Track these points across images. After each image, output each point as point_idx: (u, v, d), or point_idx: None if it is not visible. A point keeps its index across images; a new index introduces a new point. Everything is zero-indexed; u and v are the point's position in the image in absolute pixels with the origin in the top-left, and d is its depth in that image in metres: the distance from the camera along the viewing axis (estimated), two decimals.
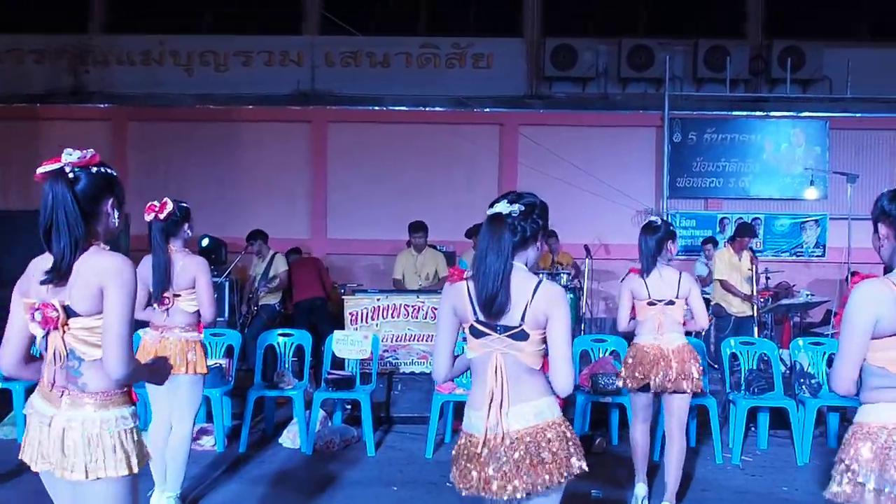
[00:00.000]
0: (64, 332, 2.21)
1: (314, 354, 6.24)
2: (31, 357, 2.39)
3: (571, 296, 8.23)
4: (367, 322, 6.72)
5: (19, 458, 2.30)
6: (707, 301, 8.27)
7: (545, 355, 2.41)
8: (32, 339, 2.31)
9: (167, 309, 4.00)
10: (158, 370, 2.59)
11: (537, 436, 2.33)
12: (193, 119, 10.28)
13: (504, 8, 10.81)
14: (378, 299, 6.81)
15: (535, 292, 2.35)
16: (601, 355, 6.05)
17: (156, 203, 3.96)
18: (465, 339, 2.55)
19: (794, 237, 10.15)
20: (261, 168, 10.27)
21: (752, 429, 5.88)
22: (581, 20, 10.77)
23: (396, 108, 10.28)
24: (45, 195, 2.19)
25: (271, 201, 10.14)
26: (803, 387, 5.57)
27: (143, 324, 4.06)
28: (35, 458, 2.25)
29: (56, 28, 10.35)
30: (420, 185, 10.08)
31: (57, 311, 2.19)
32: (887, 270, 2.35)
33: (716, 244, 8.92)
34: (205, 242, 8.37)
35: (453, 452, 2.52)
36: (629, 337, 4.49)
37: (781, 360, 6.04)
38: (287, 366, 5.94)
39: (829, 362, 5.58)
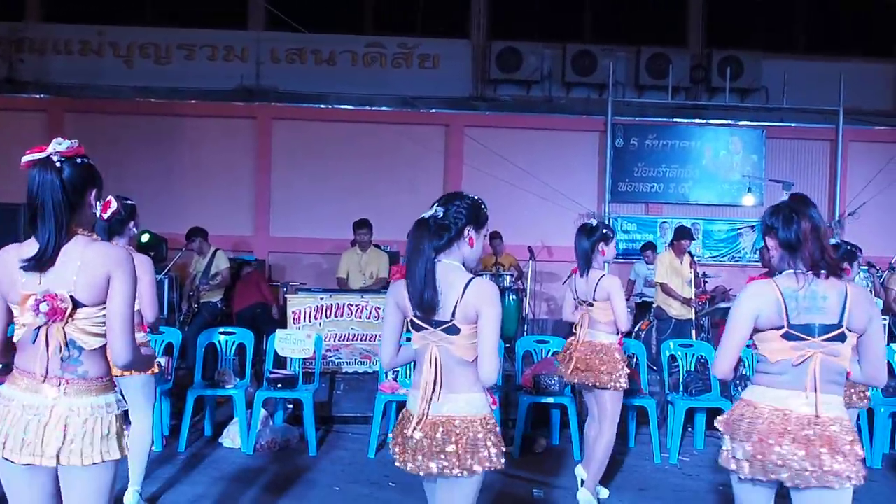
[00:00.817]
0: (67, 322, 2.23)
1: (256, 354, 6.14)
2: (9, 345, 2.37)
3: (514, 297, 8.32)
4: (310, 321, 6.64)
5: None
6: (650, 304, 8.49)
7: None
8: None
9: None
10: (147, 359, 2.72)
11: (464, 424, 2.48)
12: (133, 112, 10.00)
13: (451, 9, 10.84)
14: (321, 298, 6.73)
15: (465, 289, 2.49)
16: (543, 356, 6.10)
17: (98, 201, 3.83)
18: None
19: (732, 242, 10.44)
20: (203, 164, 10.06)
21: (690, 429, 6.01)
22: (527, 24, 10.87)
23: (342, 106, 10.21)
24: (31, 182, 2.23)
25: (214, 198, 9.94)
26: (739, 388, 5.71)
27: None
28: (17, 451, 2.20)
29: None
30: (364, 184, 10.02)
31: (65, 301, 2.21)
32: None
33: (654, 249, 9.12)
34: (145, 238, 8.15)
35: (394, 426, 2.68)
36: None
37: None
38: (228, 365, 5.83)
39: None
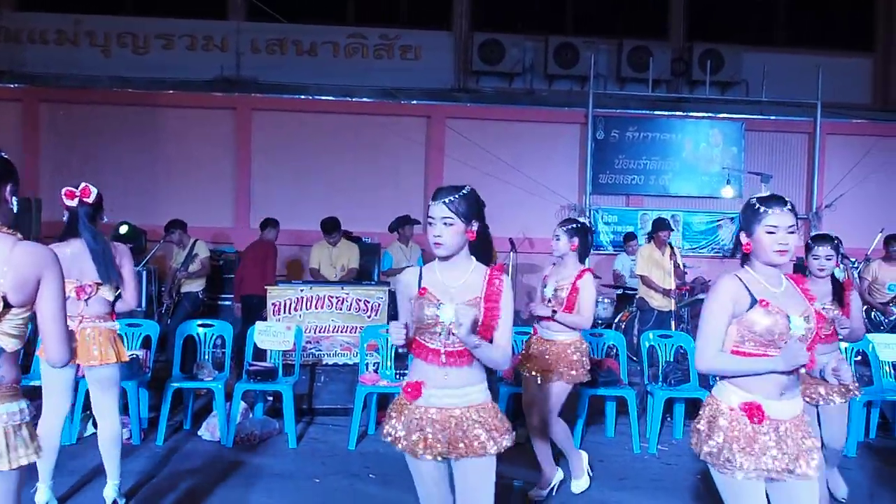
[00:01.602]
0: None
1: (236, 345, 6.11)
2: None
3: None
4: (290, 313, 6.61)
5: None
6: (630, 295, 8.53)
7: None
8: None
9: (87, 298, 3.85)
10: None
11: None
12: (111, 102, 9.86)
13: (433, 0, 10.80)
14: (302, 290, 6.70)
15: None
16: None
17: (73, 188, 3.79)
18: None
19: (711, 234, 10.51)
20: (182, 155, 9.95)
21: (669, 419, 6.05)
22: (509, 16, 10.86)
23: (323, 97, 10.13)
24: None
25: (193, 189, 9.86)
26: (717, 378, 5.76)
27: None
28: None
29: None
30: (345, 175, 9.98)
31: None
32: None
33: (636, 240, 9.15)
34: (123, 230, 8.07)
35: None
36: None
37: None
38: (207, 357, 5.79)
39: None
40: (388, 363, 5.91)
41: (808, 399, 3.87)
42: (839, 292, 4.07)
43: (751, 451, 2.48)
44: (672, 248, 7.57)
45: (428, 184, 10.10)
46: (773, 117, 10.60)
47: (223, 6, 10.32)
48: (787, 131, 10.71)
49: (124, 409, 5.46)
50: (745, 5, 11.20)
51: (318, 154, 10.07)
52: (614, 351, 6.33)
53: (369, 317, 6.68)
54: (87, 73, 9.85)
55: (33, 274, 2.18)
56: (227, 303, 8.02)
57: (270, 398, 5.98)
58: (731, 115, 10.62)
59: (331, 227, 7.78)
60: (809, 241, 4.16)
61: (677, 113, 10.67)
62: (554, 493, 4.51)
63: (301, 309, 6.64)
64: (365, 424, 5.74)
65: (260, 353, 5.88)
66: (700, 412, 2.74)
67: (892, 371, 5.99)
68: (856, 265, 7.94)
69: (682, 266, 7.54)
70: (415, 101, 10.31)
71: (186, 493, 4.41)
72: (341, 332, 6.70)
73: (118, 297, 4.00)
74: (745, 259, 2.71)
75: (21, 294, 2.17)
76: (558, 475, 4.55)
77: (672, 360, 6.05)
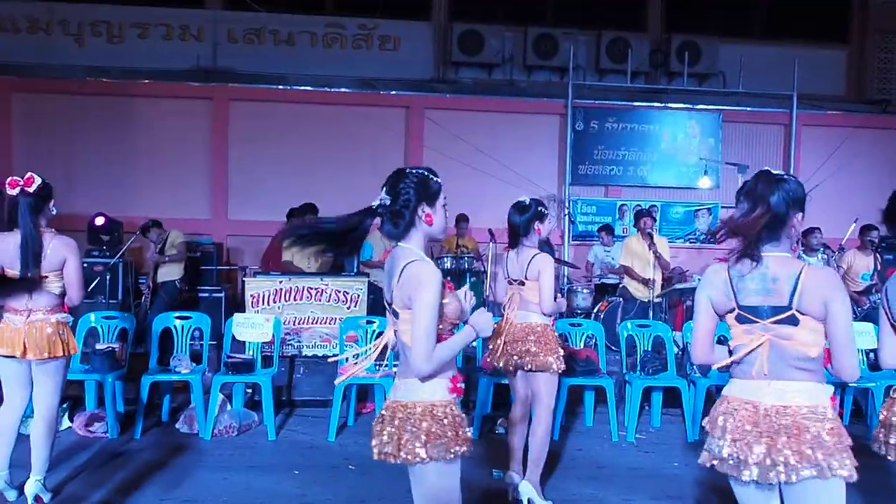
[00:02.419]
0: None
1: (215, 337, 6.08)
2: None
3: (475, 279, 8.34)
4: (268, 304, 6.57)
5: None
6: (608, 285, 8.59)
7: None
8: None
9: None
10: None
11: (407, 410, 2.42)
12: (85, 93, 9.70)
13: None
14: (280, 282, 6.66)
15: (401, 273, 2.41)
16: None
17: (17, 177, 3.72)
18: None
19: (688, 224, 10.59)
20: (158, 146, 9.81)
21: (647, 408, 6.11)
22: (488, 7, 10.84)
23: (301, 87, 10.06)
24: None
25: (169, 180, 9.74)
26: (694, 367, 5.83)
27: None
28: None
29: None
30: (324, 166, 9.92)
31: None
32: None
33: (611, 231, 9.18)
34: (99, 222, 7.97)
35: None
36: None
37: (675, 341, 6.30)
38: (184, 349, 5.75)
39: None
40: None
41: None
42: None
43: None
44: (652, 237, 7.59)
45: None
46: (749, 109, 10.69)
47: None
48: (764, 122, 10.80)
49: (99, 403, 5.44)
50: None
51: (297, 145, 10.00)
52: (593, 340, 6.37)
53: (348, 308, 6.66)
54: (60, 63, 9.69)
55: None
56: (205, 294, 7.94)
57: (249, 390, 5.95)
58: (708, 107, 10.70)
59: (306, 212, 7.60)
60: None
61: (655, 104, 10.72)
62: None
63: (280, 300, 6.61)
64: (345, 416, 5.74)
65: (238, 346, 5.84)
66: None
67: (865, 359, 6.08)
68: (833, 255, 8.03)
69: (662, 255, 7.57)
70: (394, 92, 10.27)
71: (164, 486, 4.38)
72: (321, 323, 6.68)
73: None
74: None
75: None
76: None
77: (650, 349, 6.10)
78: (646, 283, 7.50)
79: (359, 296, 6.71)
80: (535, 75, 10.83)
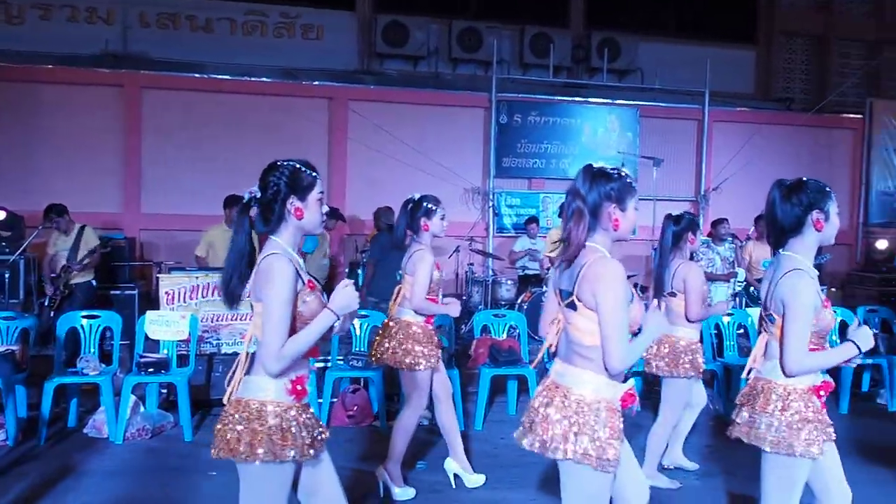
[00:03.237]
0: None
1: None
2: None
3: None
4: (184, 301, 6.32)
5: None
6: (531, 276, 8.68)
7: None
8: None
9: None
10: None
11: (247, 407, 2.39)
12: None
13: None
14: (197, 277, 6.42)
15: (256, 269, 2.40)
16: None
17: None
18: None
19: None
20: (65, 135, 9.30)
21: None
22: None
23: (219, 76, 9.73)
24: None
25: (78, 172, 9.24)
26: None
27: None
28: None
29: None
30: (244, 158, 9.52)
31: None
32: None
33: (537, 223, 9.30)
34: (1, 216, 7.51)
35: None
36: None
37: None
38: (93, 350, 5.47)
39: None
40: None
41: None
42: None
43: None
44: None
45: (332, 167, 9.91)
46: (665, 104, 10.98)
47: None
48: (678, 118, 11.11)
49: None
50: None
51: (215, 136, 9.66)
52: (515, 331, 6.42)
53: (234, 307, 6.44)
54: None
55: None
56: (117, 292, 7.58)
57: (164, 391, 5.73)
58: (626, 102, 10.93)
59: (233, 202, 7.28)
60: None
61: (577, 99, 10.88)
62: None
63: (197, 297, 6.37)
64: None
65: (153, 345, 5.61)
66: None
67: None
68: (741, 245, 8.32)
69: None
70: (317, 83, 10.08)
71: (71, 495, 4.16)
72: (241, 320, 6.47)
73: None
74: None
75: None
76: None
77: None
78: None
79: None
80: (460, 68, 10.84)
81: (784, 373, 2.60)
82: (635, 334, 2.49)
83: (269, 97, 9.84)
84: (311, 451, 2.42)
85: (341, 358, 5.78)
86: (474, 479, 4.40)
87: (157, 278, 6.50)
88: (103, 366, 5.37)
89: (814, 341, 2.62)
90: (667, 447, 4.65)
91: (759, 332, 2.83)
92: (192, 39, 9.93)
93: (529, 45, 10.67)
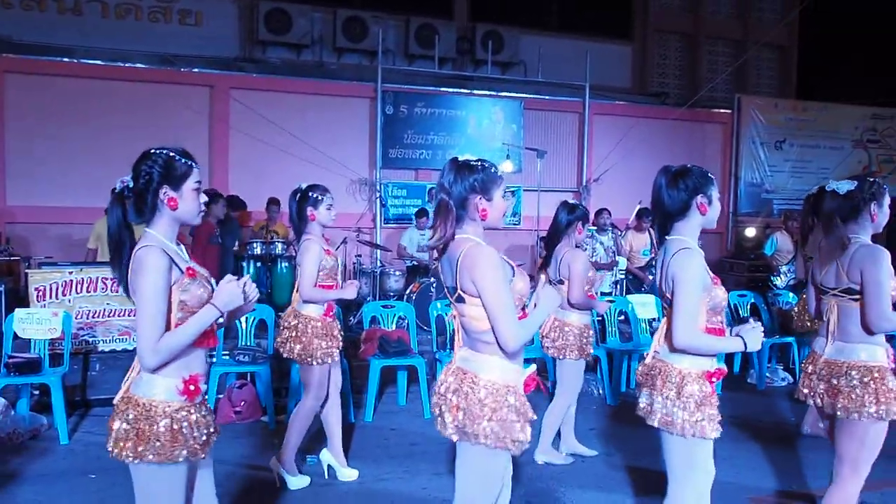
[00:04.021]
0: None
1: None
2: None
3: (286, 265, 8.18)
4: (56, 298, 6.04)
5: None
6: (419, 267, 8.78)
7: None
8: None
9: None
10: None
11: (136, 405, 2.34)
12: None
13: None
14: (71, 273, 6.15)
15: (131, 262, 2.33)
16: None
17: None
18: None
19: None
20: None
21: None
22: None
23: (90, 61, 9.26)
24: None
25: None
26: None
27: None
28: None
29: None
30: (119, 148, 9.01)
31: None
32: None
33: (428, 216, 9.40)
34: None
35: None
36: None
37: None
38: None
39: None
40: None
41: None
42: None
43: None
44: None
45: (213, 157, 9.64)
46: (547, 97, 11.32)
47: None
48: (560, 111, 11.49)
49: None
50: None
51: (87, 124, 9.18)
52: (405, 322, 6.50)
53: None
54: None
55: None
56: None
57: (37, 392, 5.45)
58: (511, 94, 11.19)
59: None
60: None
61: (462, 90, 11.04)
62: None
63: (70, 293, 6.10)
64: None
65: (23, 344, 5.33)
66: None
67: (648, 327, 6.72)
68: (622, 234, 8.74)
69: None
70: (196, 70, 9.76)
71: None
72: (118, 315, 6.26)
73: None
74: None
75: None
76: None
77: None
78: None
79: None
80: (345, 58, 10.78)
81: (673, 346, 2.69)
82: (525, 307, 2.56)
83: (146, 84, 9.45)
84: (206, 451, 2.38)
85: (227, 353, 5.68)
86: (347, 473, 4.41)
87: (27, 274, 6.17)
88: None
89: (710, 318, 2.72)
90: (560, 436, 4.88)
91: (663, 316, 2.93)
92: (61, 23, 9.43)
93: (415, 35, 10.75)
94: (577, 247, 4.77)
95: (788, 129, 12.53)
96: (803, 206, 3.30)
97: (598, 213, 8.41)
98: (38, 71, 9.04)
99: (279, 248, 8.22)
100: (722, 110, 12.59)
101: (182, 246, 2.47)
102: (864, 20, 13.52)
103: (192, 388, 2.34)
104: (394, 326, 6.36)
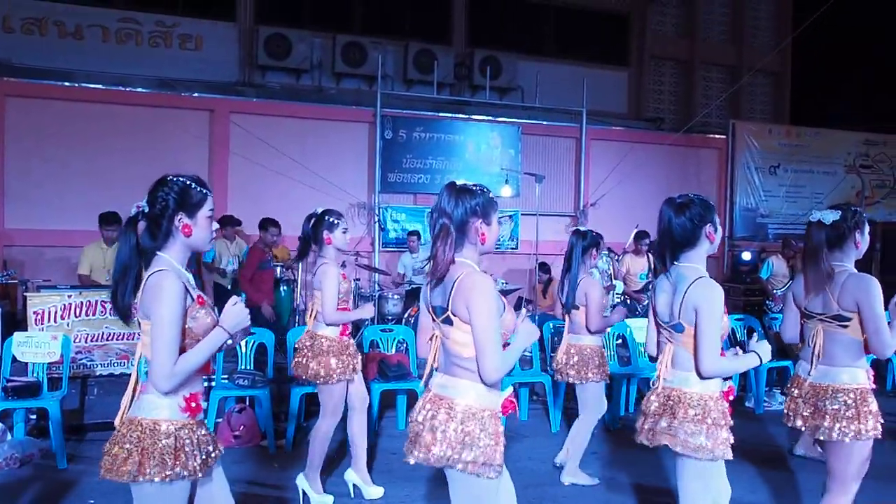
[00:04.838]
0: None
1: None
2: None
3: (286, 288, 8.17)
4: (55, 321, 6.01)
5: None
6: (419, 290, 8.75)
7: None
8: None
9: None
10: None
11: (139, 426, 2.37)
12: None
13: None
14: (69, 296, 6.12)
15: (143, 285, 2.37)
16: None
17: None
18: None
19: None
20: None
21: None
22: (295, 11, 10.74)
23: (91, 85, 9.31)
24: None
25: None
26: None
27: None
28: None
29: None
30: (119, 172, 9.14)
31: None
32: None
33: (419, 236, 9.41)
34: None
35: None
36: None
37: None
38: None
39: None
40: None
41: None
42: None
43: None
44: None
45: (212, 180, 9.66)
46: (545, 122, 11.40)
47: None
48: (558, 136, 11.57)
49: None
50: (520, 17, 11.98)
51: (87, 148, 9.20)
52: (404, 345, 6.48)
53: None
54: None
55: None
56: None
57: (34, 416, 5.40)
58: (508, 120, 11.27)
59: (112, 220, 6.95)
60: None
61: (460, 115, 11.12)
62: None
63: (69, 317, 6.08)
64: None
65: (20, 368, 5.30)
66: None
67: (646, 352, 6.69)
68: (617, 258, 8.76)
69: None
70: (196, 94, 9.82)
71: None
72: (117, 339, 6.23)
73: None
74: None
75: None
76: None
77: None
78: None
79: None
80: (344, 83, 10.87)
81: (700, 375, 2.75)
82: (508, 343, 2.56)
83: (146, 108, 9.50)
84: (206, 469, 2.40)
85: (226, 377, 5.66)
86: (373, 492, 4.47)
87: (25, 297, 6.14)
88: None
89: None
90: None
91: (660, 344, 2.97)
92: (62, 47, 9.49)
93: (413, 61, 10.85)
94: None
95: (782, 154, 12.60)
96: (805, 231, 3.35)
97: None
98: (39, 94, 9.08)
99: (278, 271, 8.20)
100: (716, 135, 12.69)
101: (191, 274, 2.49)
102: (856, 47, 13.73)
103: (193, 405, 2.38)
104: (393, 350, 6.34)
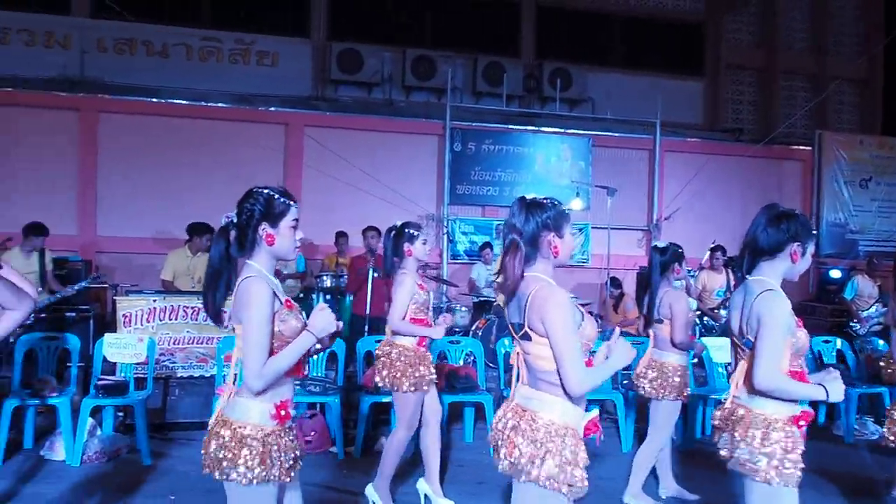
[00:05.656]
0: None
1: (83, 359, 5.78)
2: None
3: (350, 297, 8.34)
4: (142, 324, 6.33)
5: None
6: (487, 303, 8.80)
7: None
8: None
9: None
10: None
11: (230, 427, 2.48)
12: None
13: (290, 7, 10.76)
14: (154, 300, 6.43)
15: (234, 292, 2.50)
16: None
17: None
18: None
19: None
20: (20, 157, 9.22)
21: None
22: (367, 26, 10.98)
23: (175, 101, 9.77)
24: None
25: (33, 193, 9.11)
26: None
27: None
28: None
29: None
30: (199, 183, 9.57)
31: None
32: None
33: (492, 248, 9.47)
34: None
35: None
36: None
37: None
38: (51, 371, 5.44)
39: None
40: None
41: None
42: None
43: None
44: None
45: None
46: (617, 134, 11.28)
47: (66, 1, 9.73)
48: (630, 148, 11.44)
49: None
50: (588, 29, 11.93)
51: (171, 160, 9.67)
52: (472, 358, 6.53)
53: (226, 327, 6.49)
54: None
55: None
56: (72, 314, 7.47)
57: (121, 413, 5.70)
58: (578, 131, 11.22)
59: (203, 230, 7.20)
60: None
61: (530, 127, 11.14)
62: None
63: (154, 320, 6.38)
64: None
65: (109, 367, 5.60)
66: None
67: (724, 371, 6.50)
68: (693, 274, 8.57)
69: None
70: (272, 109, 10.17)
71: None
72: (196, 343, 6.50)
73: None
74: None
75: None
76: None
77: None
78: None
79: None
80: (414, 96, 11.04)
81: (753, 386, 2.63)
82: (593, 352, 2.57)
83: (225, 122, 9.91)
84: (292, 474, 2.51)
85: (298, 383, 5.82)
86: (443, 503, 4.48)
87: (115, 300, 6.48)
88: (62, 387, 5.35)
89: (792, 362, 2.67)
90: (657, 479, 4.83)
91: (736, 361, 2.86)
92: (149, 65, 9.97)
93: (482, 73, 10.94)
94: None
95: (874, 166, 11.93)
96: None
97: None
98: (128, 110, 9.61)
99: (328, 280, 8.38)
100: (801, 147, 12.22)
101: (278, 281, 2.62)
102: None
103: (283, 413, 2.48)
104: (461, 362, 6.39)
